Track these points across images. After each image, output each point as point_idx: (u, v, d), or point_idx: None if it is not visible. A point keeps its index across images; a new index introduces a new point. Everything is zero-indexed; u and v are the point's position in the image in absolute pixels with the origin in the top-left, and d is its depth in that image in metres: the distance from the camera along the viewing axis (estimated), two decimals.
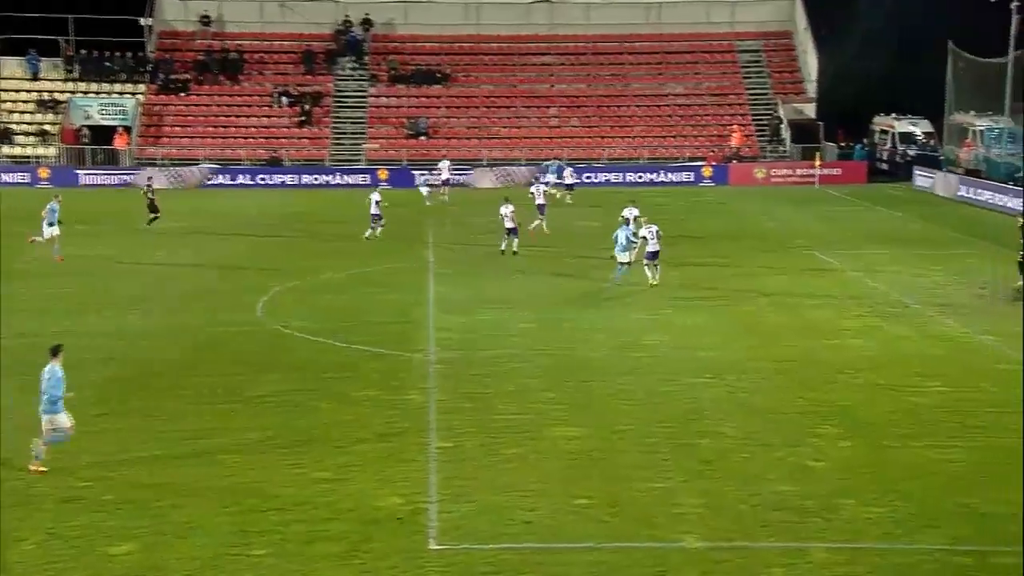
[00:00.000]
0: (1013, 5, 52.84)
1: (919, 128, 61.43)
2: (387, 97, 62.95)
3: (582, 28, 65.44)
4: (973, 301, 28.43)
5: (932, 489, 15.56)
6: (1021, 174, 49.68)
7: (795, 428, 18.34)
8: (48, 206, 34.23)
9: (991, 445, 17.34)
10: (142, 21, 63.19)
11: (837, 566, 13.28)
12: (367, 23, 64.74)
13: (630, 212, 34.04)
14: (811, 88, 63.47)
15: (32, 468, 15.99)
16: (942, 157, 57.29)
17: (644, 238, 30.32)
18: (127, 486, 15.78)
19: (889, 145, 62.50)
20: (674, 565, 13.42)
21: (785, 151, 60.64)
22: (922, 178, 55.47)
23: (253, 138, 59.97)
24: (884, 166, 61.17)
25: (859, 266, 33.40)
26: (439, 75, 63.69)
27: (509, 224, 34.36)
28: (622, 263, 29.68)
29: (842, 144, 61.96)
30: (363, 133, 61.24)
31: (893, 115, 62.90)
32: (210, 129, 60.29)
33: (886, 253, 35.87)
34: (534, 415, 19.11)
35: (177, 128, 60.34)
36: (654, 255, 30.02)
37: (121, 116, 59.61)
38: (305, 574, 13.43)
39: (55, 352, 16.20)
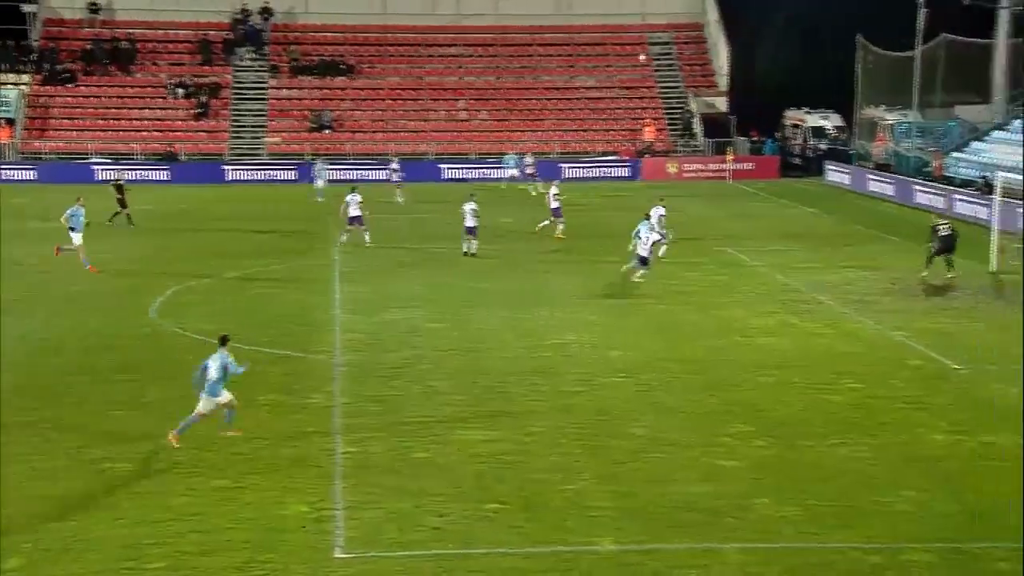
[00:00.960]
0: None
1: (830, 122, 62.79)
2: (288, 89, 62.31)
3: (490, 19, 65.62)
4: (885, 297, 29.13)
5: (845, 487, 15.91)
6: (930, 168, 51.14)
7: (708, 427, 18.61)
8: (69, 211, 31.55)
9: (901, 442, 17.81)
10: (25, 8, 61.53)
11: (751, 566, 13.51)
12: (266, 12, 63.98)
13: (656, 211, 33.52)
14: (723, 81, 64.49)
15: (227, 432, 17.69)
16: (853, 152, 58.66)
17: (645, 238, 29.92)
18: (10, 499, 15.35)
19: (801, 139, 63.79)
20: (586, 569, 13.52)
21: (697, 145, 61.51)
22: (833, 173, 56.73)
23: (147, 131, 58.85)
24: (796, 161, 62.40)
25: (772, 262, 34.02)
26: (343, 66, 63.23)
27: (469, 222, 33.80)
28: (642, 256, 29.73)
29: (754, 138, 63.03)
30: (263, 126, 60.51)
31: (804, 109, 64.16)
32: (100, 122, 58.99)
33: (799, 249, 36.60)
34: (443, 418, 19.10)
35: (65, 121, 58.93)
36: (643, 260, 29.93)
37: (4, 108, 57.98)
38: None
39: (224, 341, 17.77)
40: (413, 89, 63.41)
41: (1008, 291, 29.87)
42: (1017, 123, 49.77)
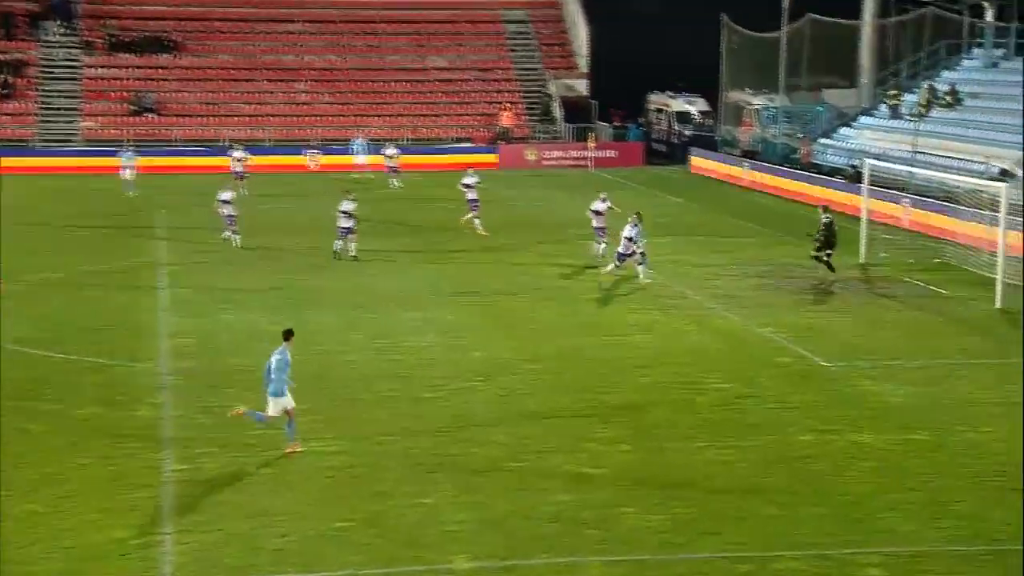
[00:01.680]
0: None
1: (696, 107, 64.23)
2: (105, 68, 60.64)
3: None
4: (753, 291, 29.99)
5: (712, 493, 16.31)
6: (798, 156, 52.82)
7: (572, 433, 18.85)
8: None
9: (769, 443, 18.35)
10: None
11: None
12: None
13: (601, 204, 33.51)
14: (583, 63, 65.27)
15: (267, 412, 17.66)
16: (719, 138, 60.14)
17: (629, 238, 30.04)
18: None
19: (665, 125, 65.09)
20: None
21: (557, 131, 62.16)
22: (700, 160, 58.06)
23: None
24: (661, 147, 63.66)
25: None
26: (167, 43, 61.82)
27: (344, 223, 32.94)
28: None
29: (617, 124, 64.03)
30: (77, 109, 58.71)
31: (668, 93, 65.46)
32: None
33: (665, 241, 37.30)
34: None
35: None
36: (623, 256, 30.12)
37: None
38: None
39: (288, 336, 17.87)
40: (247, 69, 62.44)
41: (877, 284, 31.09)
42: (884, 108, 51.79)
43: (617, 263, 30.16)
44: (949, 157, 42.91)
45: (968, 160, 41.83)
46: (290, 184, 50.90)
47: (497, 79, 64.57)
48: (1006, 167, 40.06)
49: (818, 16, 54.29)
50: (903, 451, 18.01)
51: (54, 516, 15.33)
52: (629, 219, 30.51)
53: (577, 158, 59.31)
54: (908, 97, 50.55)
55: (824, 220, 31.36)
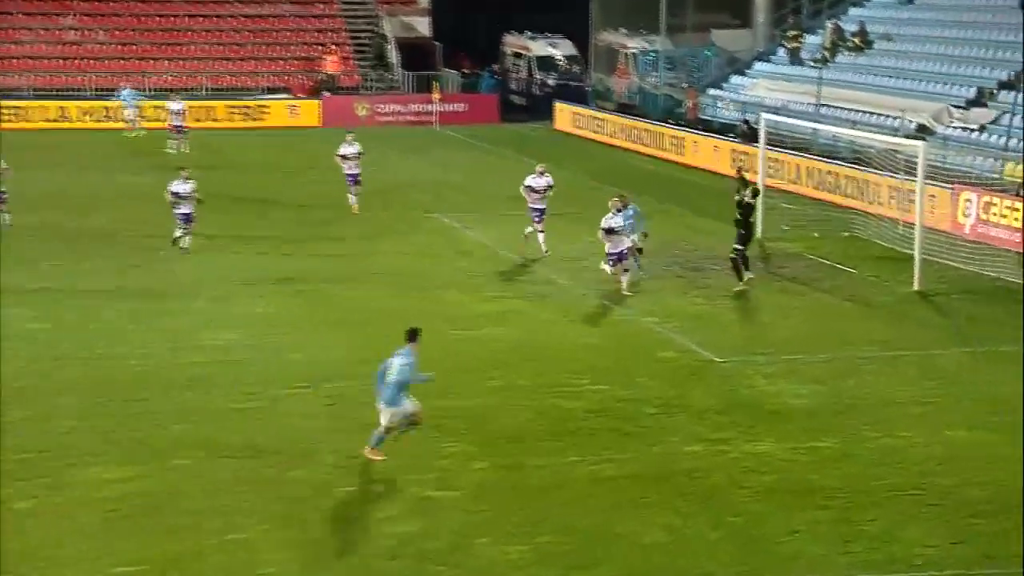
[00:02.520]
0: None
1: (560, 51, 64.80)
2: None
3: None
4: (633, 275, 30.40)
5: (584, 517, 16.49)
6: (683, 109, 53.74)
7: (416, 448, 18.86)
8: None
9: (653, 456, 18.65)
10: None
11: None
12: None
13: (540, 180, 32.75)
14: None
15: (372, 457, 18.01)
16: (590, 88, 60.76)
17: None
18: None
19: (525, 72, 65.48)
20: None
21: (394, 80, 62.03)
22: (567, 115, 58.59)
23: None
24: (520, 100, 64.04)
25: (494, 233, 34.93)
26: None
27: (184, 209, 31.68)
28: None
29: (467, 71, 64.17)
30: None
31: (528, 34, 65.82)
32: None
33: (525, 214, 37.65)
34: (55, 452, 18.51)
35: None
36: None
37: None
38: None
39: (413, 336, 18.24)
40: None
41: (776, 263, 31.84)
42: (782, 52, 53.00)
43: (609, 267, 28.30)
44: (859, 111, 44.16)
45: (881, 114, 43.12)
46: (54, 145, 49.75)
47: (318, 15, 64.07)
48: (924, 122, 41.44)
49: None
50: (807, 462, 18.47)
51: None
52: (610, 204, 28.51)
53: (419, 113, 59.34)
54: (810, 39, 51.84)
55: (747, 199, 28.92)
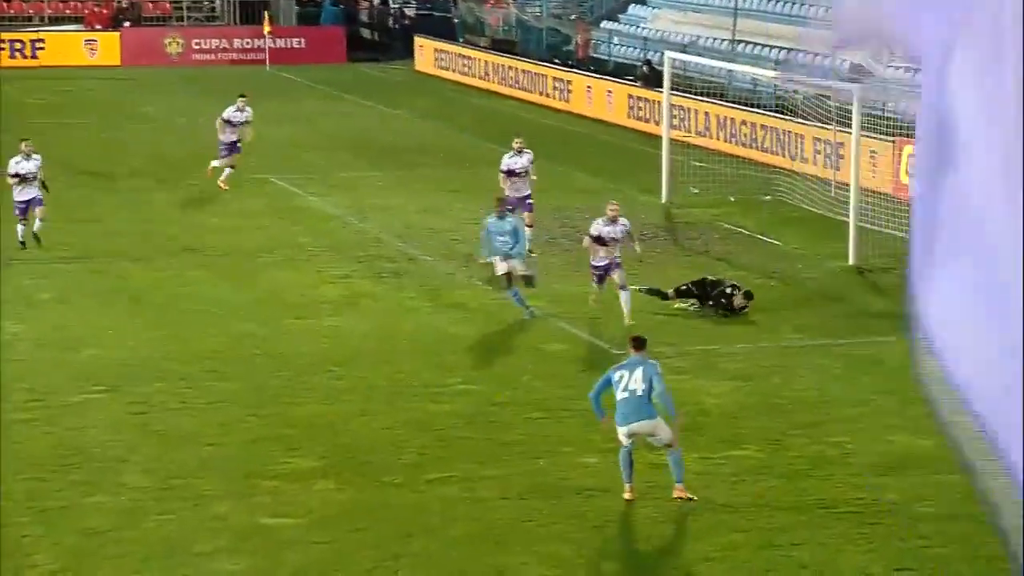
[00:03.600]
0: None
1: None
2: None
3: None
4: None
5: (455, 548, 16.52)
6: (572, 47, 53.93)
7: (245, 465, 18.77)
8: None
9: (536, 472, 18.69)
10: None
11: None
12: None
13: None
14: None
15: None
16: (457, 20, 60.80)
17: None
18: None
19: (376, 1, 65.34)
20: None
21: (213, 9, 61.56)
22: (428, 53, 58.50)
23: None
24: (371, 34, 63.87)
25: (341, 199, 34.85)
26: None
27: (24, 195, 29.90)
28: None
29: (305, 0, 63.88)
30: None
31: None
32: None
33: (380, 176, 37.56)
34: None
35: None
36: None
37: None
38: None
39: (640, 345, 18.10)
40: None
41: (685, 233, 32.11)
42: None
43: (596, 285, 25.60)
44: (782, 47, 44.64)
45: (807, 52, 43.61)
46: None
47: None
48: (859, 61, 41.99)
49: None
50: (725, 475, 18.63)
51: None
52: (608, 209, 25.52)
53: (246, 50, 58.95)
54: None
55: None
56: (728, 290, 25.97)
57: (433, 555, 16.39)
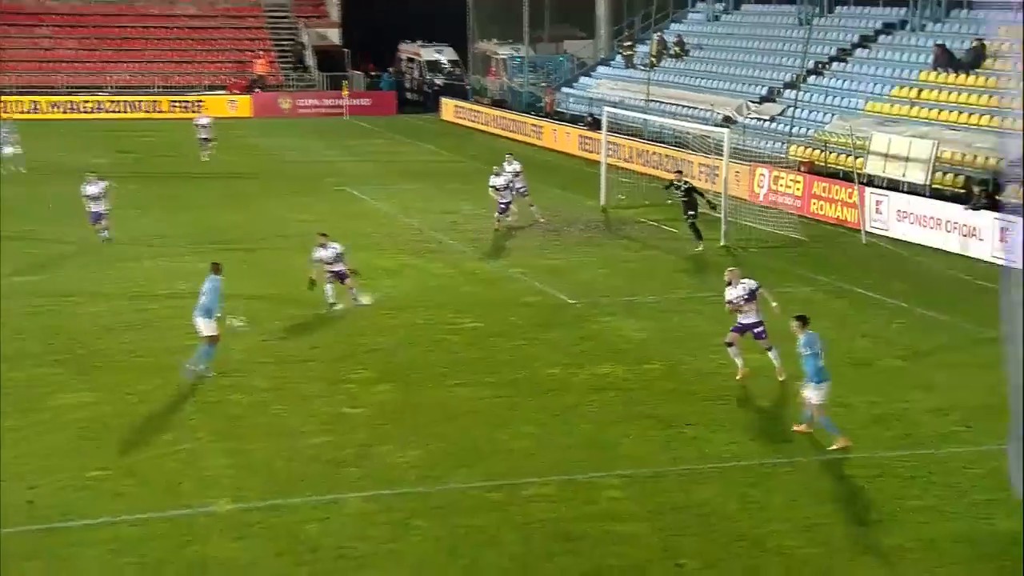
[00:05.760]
0: None
1: (444, 56, 64.25)
2: None
3: None
4: (504, 236, 30.33)
5: (466, 428, 16.49)
6: (543, 104, 53.65)
7: (329, 375, 18.71)
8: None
9: (520, 379, 18.65)
10: None
11: (374, 514, 13.74)
12: None
13: (511, 166, 31.10)
14: (334, 12, 64.28)
15: None
16: (469, 87, 60.42)
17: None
18: None
19: (417, 74, 64.88)
20: (201, 532, 13.24)
21: (311, 80, 61.08)
22: (450, 109, 58.19)
23: None
24: (413, 96, 63.46)
25: (392, 202, 34.60)
26: None
27: (95, 207, 28.11)
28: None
29: (370, 73, 63.42)
30: None
31: (419, 43, 65.20)
32: None
33: (419, 188, 37.42)
34: (33, 383, 18.02)
35: None
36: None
37: None
38: None
39: (805, 322, 15.88)
40: None
41: (615, 226, 32.02)
42: (619, 59, 53.13)
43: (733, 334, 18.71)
44: (679, 104, 44.45)
45: (695, 107, 43.45)
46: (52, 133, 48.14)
47: (248, 27, 62.76)
48: (728, 114, 41.86)
49: None
50: (639, 381, 18.63)
51: None
52: (726, 273, 19.10)
53: (332, 106, 58.53)
54: (641, 48, 51.98)
55: (684, 187, 28.63)
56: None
57: (452, 433, 16.35)
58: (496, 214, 30.34)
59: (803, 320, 15.97)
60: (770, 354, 18.31)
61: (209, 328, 18.25)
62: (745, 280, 18.52)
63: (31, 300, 22.84)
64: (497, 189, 30.31)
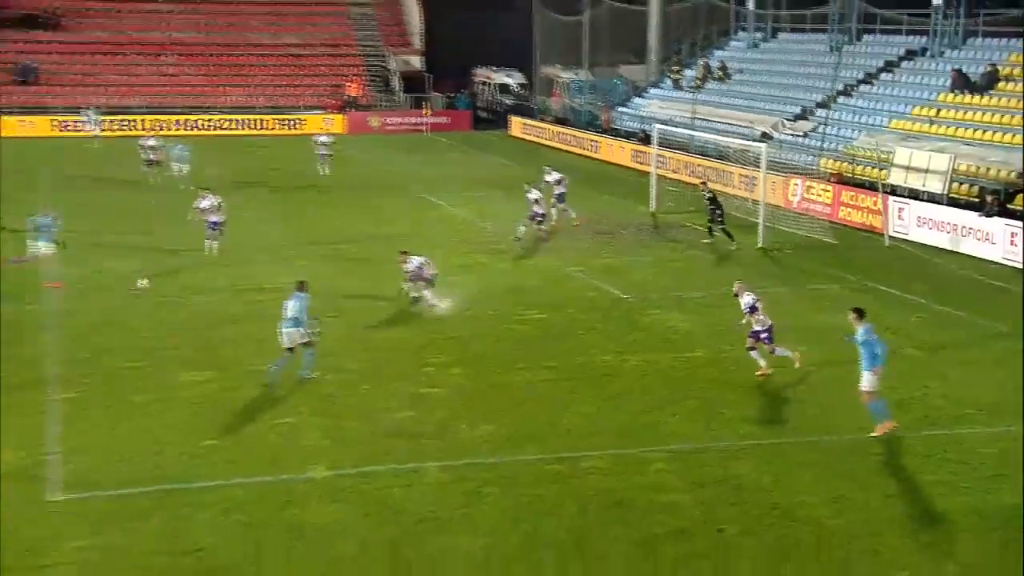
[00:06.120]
0: None
1: (514, 80, 64.31)
2: None
3: None
4: (566, 238, 30.22)
5: (531, 408, 16.50)
6: (600, 122, 53.44)
7: (411, 360, 18.81)
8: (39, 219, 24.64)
9: (577, 364, 18.60)
10: None
11: (451, 483, 13.83)
12: None
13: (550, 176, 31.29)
14: (417, 41, 64.61)
15: None
16: (535, 106, 60.40)
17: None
18: None
19: (489, 95, 64.99)
20: (300, 496, 13.41)
21: (397, 100, 61.46)
22: (518, 126, 58.21)
23: None
24: (486, 115, 63.55)
25: (467, 208, 34.65)
26: (41, 19, 58.66)
27: (213, 217, 27.75)
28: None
29: (448, 95, 63.64)
30: None
31: (491, 67, 65.32)
32: None
33: (489, 194, 37.43)
34: (158, 363, 18.36)
35: None
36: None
37: None
38: None
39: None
40: (117, 44, 59.70)
41: (664, 230, 31.77)
42: (668, 81, 52.79)
43: (761, 346, 17.98)
44: (721, 122, 44.03)
45: (736, 124, 43.00)
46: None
47: (343, 55, 63.34)
48: (766, 130, 41.38)
49: (615, 3, 54.95)
50: (684, 368, 18.51)
51: None
52: (735, 286, 18.90)
53: (414, 124, 58.80)
54: (688, 72, 51.57)
55: (708, 195, 28.84)
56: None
57: (518, 412, 16.38)
58: (536, 225, 29.48)
59: (860, 312, 15.28)
60: (776, 352, 17.82)
61: (299, 337, 17.31)
62: (747, 295, 18.19)
63: (157, 294, 23.23)
64: (537, 201, 29.93)
